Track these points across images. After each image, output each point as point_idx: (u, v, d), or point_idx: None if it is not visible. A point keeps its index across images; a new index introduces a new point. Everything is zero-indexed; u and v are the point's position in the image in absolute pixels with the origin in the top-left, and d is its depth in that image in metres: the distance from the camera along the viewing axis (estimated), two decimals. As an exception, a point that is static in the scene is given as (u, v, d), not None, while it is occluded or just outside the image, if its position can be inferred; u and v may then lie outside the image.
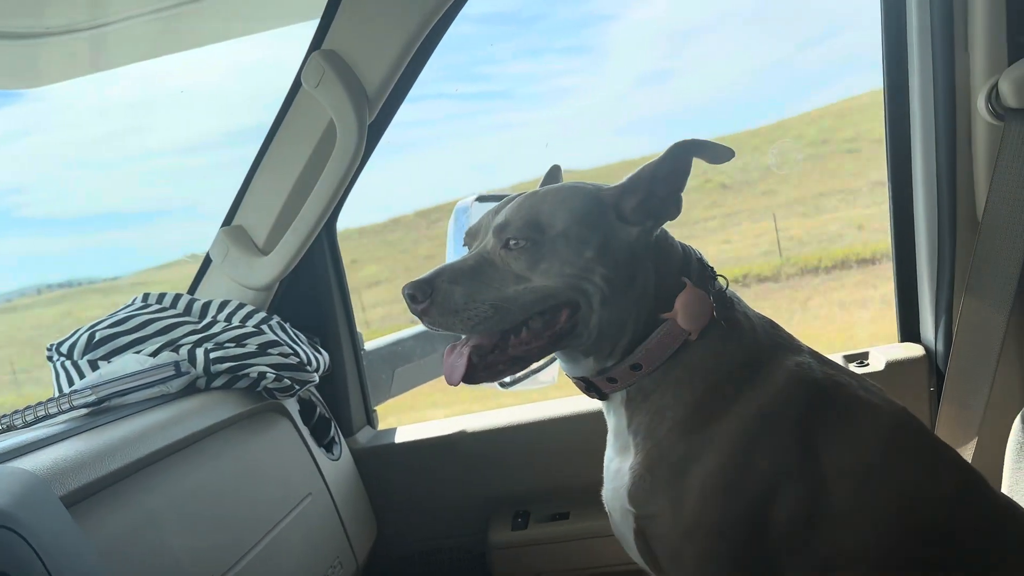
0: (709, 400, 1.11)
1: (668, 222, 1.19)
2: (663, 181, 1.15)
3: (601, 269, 1.11)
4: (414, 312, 1.12)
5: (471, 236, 1.23)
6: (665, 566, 1.14)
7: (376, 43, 1.56)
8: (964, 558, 1.06)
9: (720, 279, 1.20)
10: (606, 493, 1.23)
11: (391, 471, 1.94)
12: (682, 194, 1.17)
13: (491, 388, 2.04)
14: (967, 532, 1.07)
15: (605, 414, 1.25)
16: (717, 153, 1.14)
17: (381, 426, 2.09)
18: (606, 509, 1.24)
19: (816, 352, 1.20)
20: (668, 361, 1.13)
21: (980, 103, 1.58)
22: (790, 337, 1.20)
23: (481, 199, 2.01)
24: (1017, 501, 1.33)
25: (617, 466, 1.19)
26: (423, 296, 1.11)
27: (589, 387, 1.21)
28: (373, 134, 1.70)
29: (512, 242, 1.13)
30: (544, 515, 1.88)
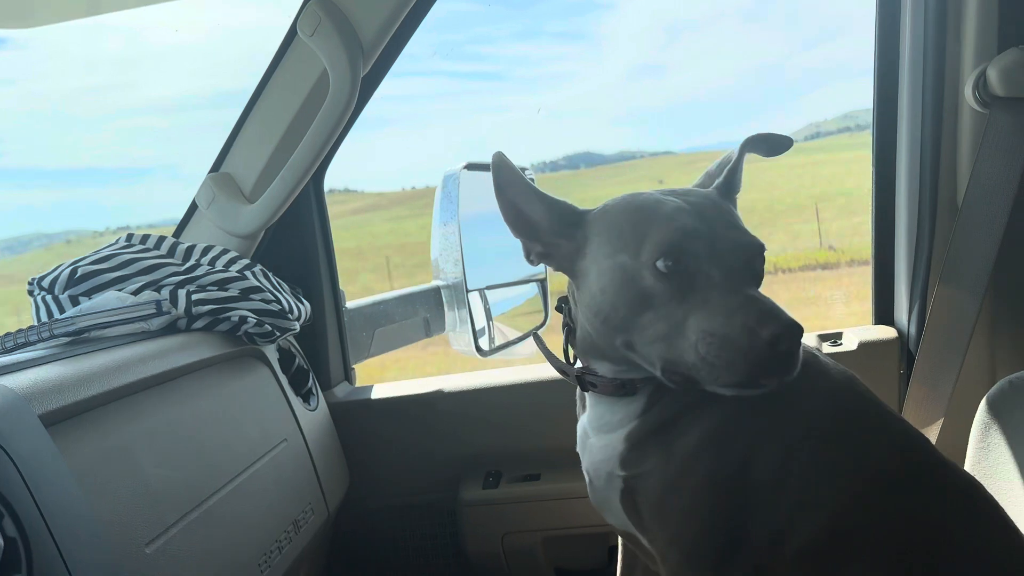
0: None
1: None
2: None
3: None
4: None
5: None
6: (648, 522, 1.16)
7: None
8: (911, 504, 1.08)
9: None
10: (590, 466, 1.24)
11: (367, 426, 1.96)
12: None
13: (470, 356, 2.07)
14: (915, 480, 1.10)
15: (588, 399, 1.26)
16: None
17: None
18: (587, 479, 1.26)
19: None
20: None
21: (968, 90, 1.60)
22: None
23: (470, 167, 2.02)
24: (979, 479, 1.37)
25: (605, 442, 1.21)
26: None
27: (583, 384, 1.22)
28: (366, 87, 1.70)
29: None
30: (516, 476, 1.91)
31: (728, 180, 1.19)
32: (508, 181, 1.18)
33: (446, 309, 2.18)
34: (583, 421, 1.29)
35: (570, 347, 1.26)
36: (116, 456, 1.09)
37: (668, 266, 1.03)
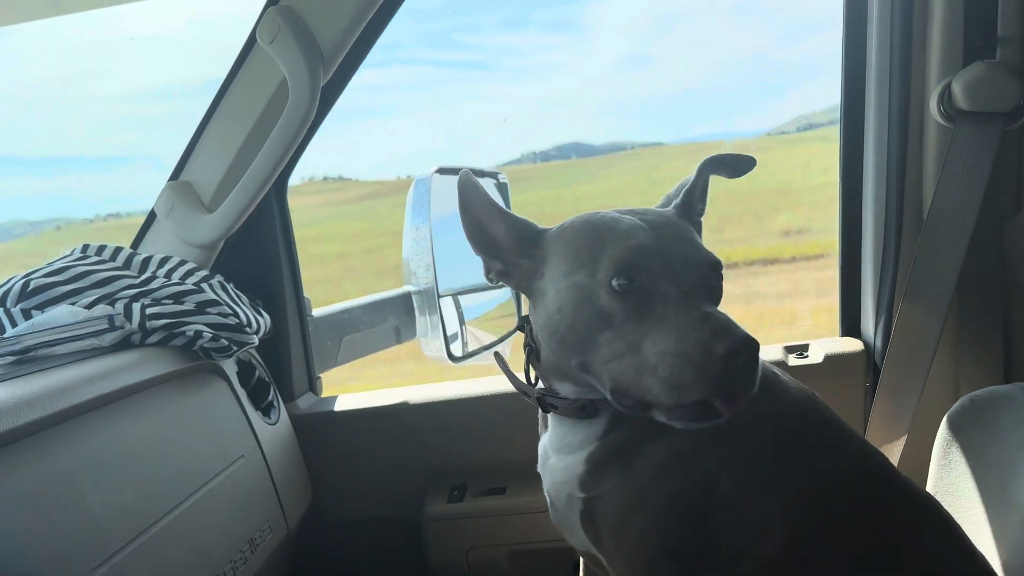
0: None
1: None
2: None
3: None
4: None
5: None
6: (607, 543, 1.15)
7: (334, 2, 1.53)
8: (868, 522, 1.08)
9: None
10: (551, 487, 1.23)
11: (330, 438, 1.93)
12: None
13: (442, 362, 2.05)
14: (872, 499, 1.10)
15: (550, 420, 1.24)
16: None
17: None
18: (548, 500, 1.25)
19: None
20: None
21: (932, 104, 1.60)
22: None
23: (441, 171, 1.99)
24: (940, 497, 1.37)
25: (566, 463, 1.19)
26: None
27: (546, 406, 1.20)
28: (327, 96, 1.67)
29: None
30: (481, 489, 1.89)
31: (686, 200, 1.18)
32: (473, 199, 1.17)
33: (417, 315, 2.17)
34: (544, 441, 1.28)
35: (531, 367, 1.25)
36: (59, 481, 1.06)
37: (622, 284, 1.01)
